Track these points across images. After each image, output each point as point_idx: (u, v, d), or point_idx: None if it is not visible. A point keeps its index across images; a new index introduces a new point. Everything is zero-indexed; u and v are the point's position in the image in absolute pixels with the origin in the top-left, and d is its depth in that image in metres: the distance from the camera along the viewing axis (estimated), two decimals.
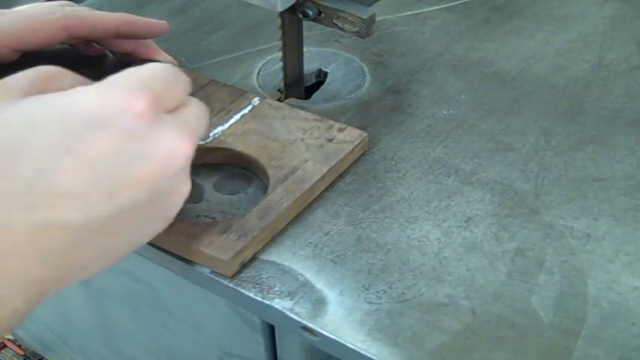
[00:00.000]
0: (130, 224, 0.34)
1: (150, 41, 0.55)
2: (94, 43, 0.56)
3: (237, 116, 0.49)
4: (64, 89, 0.34)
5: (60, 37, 0.51)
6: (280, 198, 0.43)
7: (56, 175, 0.31)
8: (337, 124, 0.48)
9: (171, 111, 0.36)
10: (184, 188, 0.36)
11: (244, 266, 0.41)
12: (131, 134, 0.33)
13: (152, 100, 0.34)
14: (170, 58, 0.55)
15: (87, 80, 0.36)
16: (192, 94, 0.50)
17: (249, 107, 0.49)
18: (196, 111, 0.38)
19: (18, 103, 0.32)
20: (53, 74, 0.35)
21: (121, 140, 0.32)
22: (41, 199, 0.31)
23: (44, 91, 0.34)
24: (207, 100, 0.50)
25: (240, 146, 0.46)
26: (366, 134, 0.48)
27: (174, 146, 0.34)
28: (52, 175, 0.31)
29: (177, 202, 0.36)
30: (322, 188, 0.46)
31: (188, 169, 0.36)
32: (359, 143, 0.47)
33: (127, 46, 0.55)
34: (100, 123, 0.32)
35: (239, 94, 0.50)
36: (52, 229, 0.31)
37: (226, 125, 0.48)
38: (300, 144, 0.47)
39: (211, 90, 0.51)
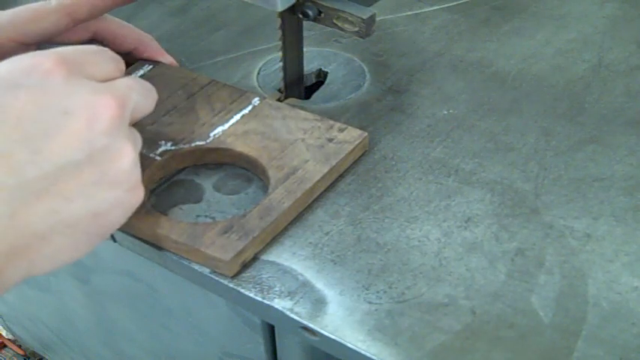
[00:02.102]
0: (76, 186, 0.34)
1: (151, 41, 0.55)
2: (96, 43, 0.56)
3: (238, 116, 0.49)
4: None
5: (64, 24, 0.51)
6: (281, 198, 0.43)
7: None
8: (337, 124, 0.48)
9: (97, 81, 0.37)
10: (126, 149, 0.36)
11: (244, 266, 0.41)
12: (44, 90, 0.34)
13: (61, 60, 0.35)
14: (171, 58, 0.55)
15: None
16: (193, 94, 0.50)
17: (250, 107, 0.49)
18: (129, 82, 0.38)
19: None
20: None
21: (36, 96, 0.33)
22: None
23: None
24: (207, 100, 0.50)
25: (240, 146, 0.46)
26: (366, 134, 0.48)
27: (93, 101, 0.35)
28: None
29: (123, 166, 0.36)
30: (323, 188, 0.46)
31: (124, 130, 0.36)
32: (359, 143, 0.47)
33: (128, 45, 0.55)
34: (12, 84, 0.33)
35: (239, 94, 0.50)
36: None
37: (227, 125, 0.48)
38: (300, 144, 0.47)
39: (211, 90, 0.51)
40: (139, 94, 0.38)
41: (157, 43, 0.55)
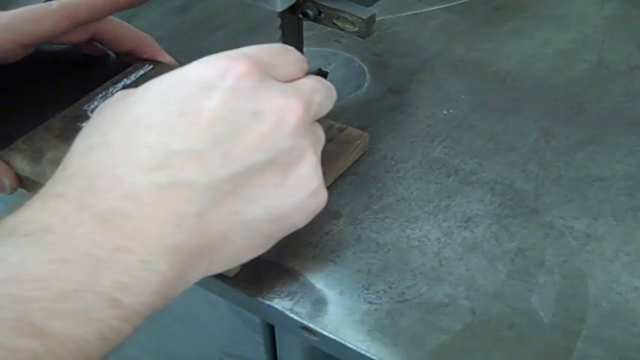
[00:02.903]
0: (258, 188, 0.35)
1: (151, 41, 0.55)
2: (96, 43, 0.56)
3: None
4: None
5: (64, 26, 0.51)
6: None
7: (173, 137, 0.33)
8: (337, 125, 0.48)
9: (283, 81, 0.37)
10: (307, 153, 0.36)
11: (244, 266, 0.41)
12: (237, 92, 0.34)
13: (253, 62, 0.35)
14: (171, 58, 0.55)
15: None
16: None
17: None
18: (313, 84, 0.38)
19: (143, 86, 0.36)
20: None
21: (229, 98, 0.34)
22: (162, 160, 0.32)
23: None
24: None
25: None
26: (366, 134, 0.48)
27: (282, 104, 0.35)
28: (170, 137, 0.33)
29: (304, 170, 0.36)
30: None
31: (307, 133, 0.36)
32: (359, 143, 0.47)
33: (128, 45, 0.55)
34: (206, 85, 0.34)
35: None
36: (177, 188, 0.32)
37: None
38: None
39: None
40: (322, 95, 0.39)
41: (156, 43, 0.55)
